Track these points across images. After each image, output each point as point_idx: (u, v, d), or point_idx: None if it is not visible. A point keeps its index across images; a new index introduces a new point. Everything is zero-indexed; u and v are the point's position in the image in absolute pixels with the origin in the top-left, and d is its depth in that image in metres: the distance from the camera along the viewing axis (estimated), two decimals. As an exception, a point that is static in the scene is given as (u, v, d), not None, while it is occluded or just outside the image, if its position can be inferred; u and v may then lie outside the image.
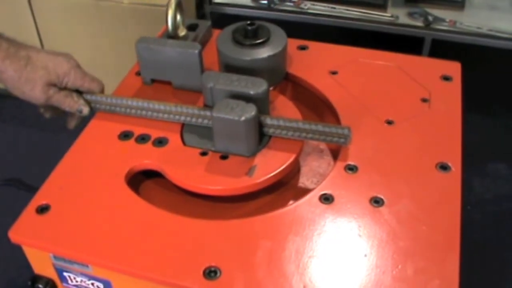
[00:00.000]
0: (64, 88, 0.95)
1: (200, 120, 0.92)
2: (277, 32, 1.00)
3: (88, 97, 0.97)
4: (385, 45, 1.09)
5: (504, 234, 1.81)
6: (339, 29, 2.14)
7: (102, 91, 0.99)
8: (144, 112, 0.95)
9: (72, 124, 1.01)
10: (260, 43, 0.97)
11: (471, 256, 1.71)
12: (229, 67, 0.97)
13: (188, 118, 0.93)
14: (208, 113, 0.90)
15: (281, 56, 1.00)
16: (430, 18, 2.09)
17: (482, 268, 1.71)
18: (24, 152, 2.17)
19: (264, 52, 0.97)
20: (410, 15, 2.12)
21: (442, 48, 2.11)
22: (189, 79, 0.98)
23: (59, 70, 0.92)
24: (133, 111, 0.96)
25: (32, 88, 0.91)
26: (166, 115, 0.94)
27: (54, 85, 0.93)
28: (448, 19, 2.09)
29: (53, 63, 0.92)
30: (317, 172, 0.93)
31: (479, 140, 2.12)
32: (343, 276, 0.73)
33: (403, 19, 2.11)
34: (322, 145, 0.99)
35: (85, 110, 0.97)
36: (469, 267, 1.67)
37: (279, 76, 1.03)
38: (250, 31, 0.98)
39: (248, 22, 0.98)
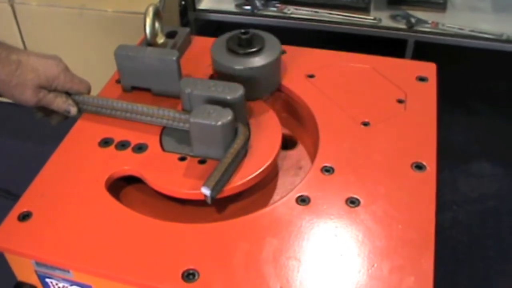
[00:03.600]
0: (54, 90, 0.97)
1: (181, 124, 0.93)
2: (271, 41, 1.01)
3: (76, 97, 1.00)
4: (369, 48, 1.10)
5: (489, 233, 1.83)
6: (323, 33, 2.16)
7: (89, 91, 1.01)
8: (128, 114, 0.97)
9: (55, 121, 1.03)
10: (254, 52, 0.98)
11: (457, 255, 1.74)
12: (223, 76, 0.98)
13: (170, 122, 0.94)
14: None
15: (276, 65, 1.00)
16: (413, 20, 2.10)
17: (468, 267, 1.72)
18: (10, 162, 2.17)
19: (258, 61, 0.97)
20: (393, 17, 2.14)
21: (425, 50, 2.14)
22: (168, 85, 1.00)
23: (49, 74, 0.94)
24: (118, 113, 0.98)
25: (22, 92, 0.93)
26: (149, 118, 0.96)
27: (43, 87, 0.95)
28: (430, 21, 2.11)
29: (43, 66, 0.94)
30: (296, 176, 0.94)
31: (464, 140, 2.15)
32: (320, 276, 0.74)
33: (386, 21, 2.13)
34: (303, 162, 0.99)
35: (73, 110, 0.99)
36: (455, 266, 1.70)
37: (273, 86, 1.04)
38: (244, 40, 0.98)
39: (242, 30, 0.99)
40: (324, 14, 2.14)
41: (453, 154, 2.01)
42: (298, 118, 1.05)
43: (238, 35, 0.99)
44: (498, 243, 1.80)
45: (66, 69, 0.98)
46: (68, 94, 0.99)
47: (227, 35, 1.02)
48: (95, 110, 1.00)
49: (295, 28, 2.16)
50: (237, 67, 0.97)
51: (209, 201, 0.82)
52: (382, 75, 1.05)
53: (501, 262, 1.75)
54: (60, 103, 0.98)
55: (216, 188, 0.82)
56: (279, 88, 1.05)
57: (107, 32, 2.01)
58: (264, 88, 0.99)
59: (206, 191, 0.81)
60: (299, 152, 1.01)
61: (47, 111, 1.01)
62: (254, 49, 0.98)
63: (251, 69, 0.97)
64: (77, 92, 0.99)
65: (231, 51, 0.99)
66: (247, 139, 0.89)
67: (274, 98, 1.05)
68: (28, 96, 0.94)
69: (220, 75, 0.99)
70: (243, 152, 0.88)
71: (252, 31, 0.99)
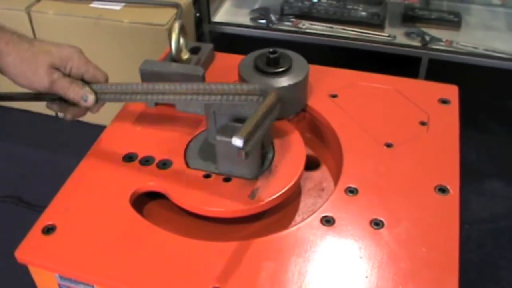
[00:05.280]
0: (68, 75, 0.92)
1: (206, 97, 0.90)
2: (299, 61, 1.02)
3: (94, 86, 0.94)
4: (383, 65, 1.11)
5: (501, 253, 1.83)
6: (337, 49, 2.17)
7: (106, 81, 0.96)
8: (149, 97, 0.94)
9: (69, 115, 0.96)
10: (282, 72, 0.99)
11: (469, 275, 1.74)
12: None
13: (195, 96, 0.90)
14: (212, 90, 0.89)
15: (302, 85, 1.01)
16: (427, 38, 2.12)
17: (479, 287, 1.72)
18: (22, 169, 2.18)
19: (285, 81, 0.98)
20: (407, 35, 2.15)
21: (439, 68, 2.14)
22: (193, 102, 1.00)
23: (63, 54, 0.91)
24: (138, 96, 0.94)
25: (35, 70, 0.88)
26: (172, 96, 0.92)
27: (57, 69, 0.91)
28: (444, 39, 2.12)
29: (57, 48, 0.91)
30: (318, 195, 0.95)
31: (476, 158, 2.15)
32: (345, 298, 0.74)
33: (400, 39, 2.14)
34: (325, 183, 1.00)
35: (91, 98, 0.93)
36: (467, 286, 1.70)
37: (299, 106, 1.04)
38: (272, 59, 0.99)
39: (271, 50, 1.00)
40: (339, 30, 2.15)
41: (465, 172, 2.00)
42: (322, 139, 1.06)
43: (266, 54, 0.99)
44: (510, 263, 1.79)
45: (81, 51, 0.94)
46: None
47: (255, 53, 1.03)
48: (113, 97, 0.94)
49: (309, 43, 2.17)
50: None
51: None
52: (405, 96, 1.06)
53: (513, 282, 1.75)
54: (77, 89, 0.92)
55: (249, 142, 0.77)
56: (304, 109, 1.06)
57: (122, 43, 2.03)
58: (290, 108, 0.99)
59: (238, 141, 0.76)
60: (322, 173, 1.01)
61: (62, 105, 0.95)
62: (282, 69, 0.99)
63: (278, 89, 0.97)
64: (93, 78, 0.94)
65: (259, 70, 0.99)
66: (277, 100, 0.86)
67: (298, 118, 1.05)
68: (42, 75, 0.89)
69: None
70: (275, 115, 0.86)
71: (280, 50, 1.00)
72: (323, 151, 1.05)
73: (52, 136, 2.18)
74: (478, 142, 2.20)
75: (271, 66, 0.99)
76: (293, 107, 1.03)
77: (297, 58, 1.02)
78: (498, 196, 2.01)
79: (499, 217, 1.93)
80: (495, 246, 1.84)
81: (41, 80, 0.89)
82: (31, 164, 2.18)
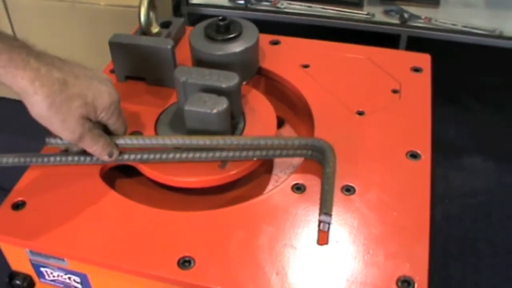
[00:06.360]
0: (97, 123, 0.82)
1: (250, 153, 0.86)
2: (249, 27, 1.01)
3: (116, 139, 0.85)
4: (362, 43, 1.11)
5: (481, 227, 1.84)
6: (316, 28, 2.16)
7: (125, 133, 0.87)
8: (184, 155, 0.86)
9: (76, 148, 0.87)
10: (232, 38, 0.98)
11: (449, 249, 1.75)
12: (202, 63, 0.98)
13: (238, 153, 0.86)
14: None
15: (254, 50, 1.01)
16: (406, 15, 2.12)
17: (458, 260, 1.73)
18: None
19: (236, 47, 0.98)
20: (386, 12, 2.15)
21: (418, 45, 2.14)
22: (163, 74, 0.99)
23: (99, 104, 0.79)
24: (171, 155, 0.86)
25: (64, 120, 0.76)
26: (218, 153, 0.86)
27: (88, 118, 0.79)
28: (423, 16, 2.12)
29: (92, 93, 0.78)
30: (290, 164, 0.94)
31: (456, 134, 2.16)
32: (316, 262, 0.74)
33: (379, 16, 2.14)
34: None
35: (115, 154, 0.85)
36: (447, 259, 1.71)
37: (252, 71, 1.04)
38: (222, 26, 0.99)
39: (220, 17, 0.99)
40: (318, 9, 2.15)
41: (444, 148, 2.02)
42: (283, 101, 1.06)
43: (216, 22, 0.99)
44: (489, 237, 1.81)
45: (119, 101, 0.82)
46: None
47: (205, 22, 1.02)
48: (138, 158, 0.87)
49: (288, 22, 2.16)
50: (216, 52, 0.97)
51: (326, 228, 0.78)
52: (377, 65, 1.05)
53: (492, 255, 1.76)
54: (105, 144, 0.82)
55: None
56: (259, 72, 1.06)
57: (99, 26, 2.00)
58: (244, 73, 0.98)
59: (328, 219, 0.77)
60: (287, 131, 1.03)
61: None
62: (232, 35, 0.98)
63: (229, 55, 0.97)
64: (115, 130, 0.84)
65: (210, 37, 0.99)
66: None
67: (253, 82, 1.05)
68: (72, 126, 0.77)
69: (199, 62, 0.99)
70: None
71: (229, 17, 1.00)
72: (286, 111, 1.05)
73: (40, 126, 2.16)
74: (458, 119, 2.21)
75: (221, 33, 0.99)
76: (248, 72, 1.02)
77: (247, 25, 1.02)
78: (477, 171, 2.03)
79: (478, 192, 1.95)
80: (474, 221, 1.86)
81: (71, 131, 0.78)
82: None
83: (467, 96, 2.33)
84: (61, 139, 0.84)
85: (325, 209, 0.78)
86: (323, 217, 0.78)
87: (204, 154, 0.85)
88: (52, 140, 0.86)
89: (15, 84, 0.73)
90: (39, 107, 0.75)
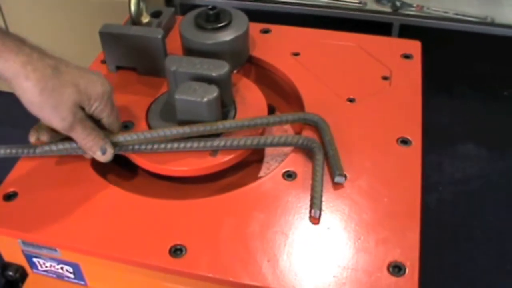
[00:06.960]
0: (90, 116, 0.80)
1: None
2: (239, 16, 1.01)
3: (112, 138, 0.84)
4: (354, 32, 1.11)
5: (474, 213, 1.85)
6: (308, 17, 2.16)
7: (119, 130, 0.86)
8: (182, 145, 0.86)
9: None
10: (221, 27, 0.98)
11: (443, 235, 1.76)
12: (192, 52, 0.98)
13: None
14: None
15: (243, 38, 1.01)
16: (398, 3, 2.11)
17: (453, 247, 1.74)
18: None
19: (226, 35, 0.98)
20: (378, 1, 2.15)
21: (410, 33, 2.14)
22: (153, 64, 0.99)
23: (92, 91, 0.77)
24: (169, 145, 0.86)
25: (55, 106, 0.74)
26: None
27: (81, 107, 0.78)
28: (415, 4, 2.12)
29: (85, 81, 0.77)
30: (282, 152, 0.94)
31: (449, 122, 2.16)
32: (307, 249, 0.74)
33: (371, 5, 2.14)
34: (287, 126, 1.00)
35: (109, 152, 0.82)
36: (441, 245, 1.72)
37: (242, 59, 1.04)
38: (211, 15, 0.99)
39: (210, 6, 0.99)
40: (309, -2, 2.14)
41: (438, 136, 2.02)
42: (274, 89, 1.06)
43: (206, 11, 0.99)
44: (483, 223, 1.82)
45: (111, 92, 0.81)
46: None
47: (194, 11, 1.02)
48: (137, 148, 0.86)
49: (280, 12, 2.15)
50: (206, 41, 0.97)
51: (317, 215, 0.78)
52: (368, 52, 1.06)
53: (485, 241, 1.77)
54: (98, 138, 0.80)
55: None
56: (249, 61, 1.06)
57: (89, 17, 1.99)
58: (234, 61, 0.98)
59: (341, 179, 0.82)
60: None
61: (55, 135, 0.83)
62: (222, 24, 0.98)
63: (219, 43, 0.97)
64: (109, 126, 0.83)
65: (199, 26, 0.99)
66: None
67: (244, 71, 1.05)
68: (63, 113, 0.75)
69: (190, 51, 0.99)
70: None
71: (219, 7, 1.00)
72: (277, 99, 1.05)
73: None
74: (451, 106, 2.22)
75: (211, 22, 0.99)
76: (238, 60, 1.02)
77: (236, 14, 1.02)
78: (470, 158, 2.03)
79: (471, 179, 1.95)
80: (468, 207, 1.87)
81: (62, 118, 0.76)
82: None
83: (460, 84, 2.34)
84: (47, 136, 0.83)
85: (338, 170, 0.82)
86: (338, 178, 0.81)
87: (195, 144, 0.85)
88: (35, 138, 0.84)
89: (7, 69, 0.72)
90: (30, 92, 0.73)
